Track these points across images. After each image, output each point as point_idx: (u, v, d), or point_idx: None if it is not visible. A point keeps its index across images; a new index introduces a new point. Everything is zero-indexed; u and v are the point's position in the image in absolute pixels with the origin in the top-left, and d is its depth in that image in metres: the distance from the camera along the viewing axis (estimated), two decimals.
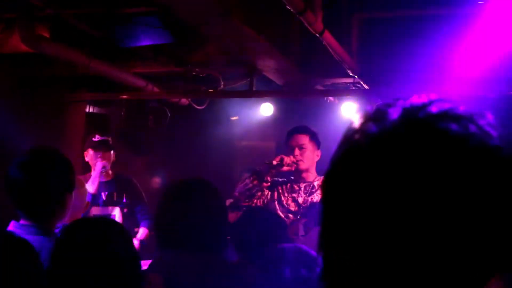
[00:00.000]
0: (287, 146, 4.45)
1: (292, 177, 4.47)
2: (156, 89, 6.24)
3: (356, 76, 5.46)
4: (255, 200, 4.27)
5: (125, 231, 1.97)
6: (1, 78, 5.56)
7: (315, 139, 4.44)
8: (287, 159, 4.29)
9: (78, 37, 5.09)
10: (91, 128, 6.15)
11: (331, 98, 6.90)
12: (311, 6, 3.97)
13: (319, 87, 6.40)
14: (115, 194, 4.88)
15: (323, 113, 7.30)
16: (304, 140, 4.37)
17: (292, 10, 3.78)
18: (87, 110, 6.48)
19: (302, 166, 4.35)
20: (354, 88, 6.01)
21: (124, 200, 4.94)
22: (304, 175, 4.39)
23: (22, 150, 2.51)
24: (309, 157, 4.36)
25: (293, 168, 4.35)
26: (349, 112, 6.70)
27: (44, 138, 5.60)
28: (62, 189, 2.43)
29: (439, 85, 5.40)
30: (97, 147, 4.90)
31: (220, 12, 3.92)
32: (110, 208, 4.84)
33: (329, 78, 6.10)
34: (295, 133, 4.45)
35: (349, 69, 5.18)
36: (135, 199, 5.00)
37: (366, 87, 5.82)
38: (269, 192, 4.36)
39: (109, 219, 2.05)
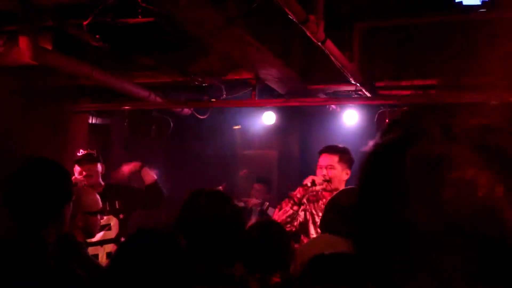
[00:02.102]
0: (318, 164, 4.51)
1: (321, 191, 4.48)
2: (158, 99, 6.26)
3: (358, 84, 5.47)
4: (295, 223, 4.33)
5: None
6: (4, 89, 5.58)
7: (345, 158, 4.45)
8: (317, 179, 4.36)
9: (81, 47, 5.10)
10: (93, 139, 6.17)
11: (333, 106, 6.91)
12: (313, 16, 3.99)
13: (321, 95, 6.41)
14: (107, 203, 4.85)
15: (325, 121, 7.31)
16: (333, 161, 4.43)
17: (294, 20, 3.79)
18: (90, 120, 6.49)
19: (332, 185, 4.36)
20: (356, 96, 6.02)
21: (118, 207, 4.93)
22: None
23: (23, 162, 2.50)
24: (337, 177, 4.39)
25: (324, 187, 4.38)
26: (351, 119, 6.71)
27: (47, 149, 5.61)
28: (59, 200, 2.41)
29: (441, 92, 5.41)
30: (80, 161, 4.89)
31: (223, 22, 3.93)
32: (105, 218, 4.83)
33: (330, 86, 6.11)
34: (324, 152, 4.51)
35: (351, 77, 5.19)
36: (129, 200, 5.00)
37: (368, 94, 5.83)
38: (303, 213, 4.42)
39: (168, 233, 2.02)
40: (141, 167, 5.19)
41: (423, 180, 0.70)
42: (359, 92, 5.89)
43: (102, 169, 4.97)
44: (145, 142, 7.17)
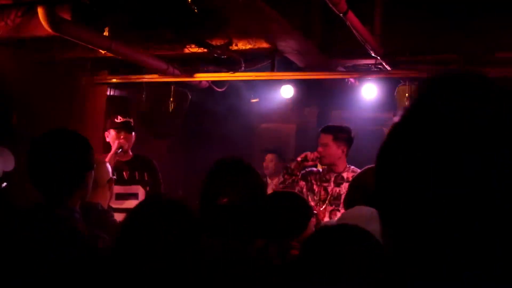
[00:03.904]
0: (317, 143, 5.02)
1: (321, 169, 5.05)
2: (177, 72, 6.23)
3: (378, 57, 5.40)
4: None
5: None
6: (23, 61, 5.58)
7: (340, 137, 4.90)
8: (310, 155, 4.90)
9: (100, 19, 5.08)
10: (112, 111, 6.17)
11: (352, 79, 6.85)
12: None
13: (340, 69, 6.35)
14: (137, 173, 4.91)
15: (344, 95, 7.26)
16: (327, 139, 4.88)
17: None
18: (108, 92, 6.48)
19: (324, 161, 4.92)
20: (375, 69, 5.95)
21: (146, 179, 4.97)
22: (332, 167, 4.93)
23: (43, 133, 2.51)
24: (331, 154, 4.88)
25: (316, 163, 4.96)
26: (370, 93, 6.65)
27: (66, 121, 5.63)
28: (81, 168, 2.43)
29: (462, 67, 5.34)
30: (119, 128, 4.93)
31: None
32: (133, 186, 4.87)
33: (350, 60, 6.04)
34: (321, 132, 4.99)
35: (371, 50, 5.12)
36: (155, 180, 5.04)
37: (388, 68, 5.76)
38: (304, 183, 4.94)
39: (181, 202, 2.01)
40: None
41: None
42: (379, 66, 5.82)
43: (134, 139, 5.02)
44: (163, 114, 7.16)
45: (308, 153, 4.93)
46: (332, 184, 4.88)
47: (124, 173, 4.84)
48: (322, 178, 4.96)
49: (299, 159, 4.93)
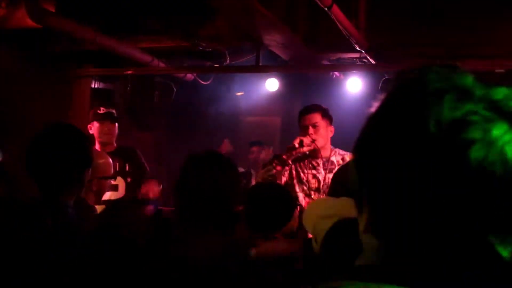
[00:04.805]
0: (301, 126, 4.47)
1: (307, 153, 4.47)
2: (162, 64, 6.21)
3: (363, 51, 5.43)
4: (278, 182, 4.26)
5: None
6: (7, 53, 5.54)
7: (327, 115, 4.45)
8: (305, 140, 4.30)
9: (84, 11, 5.05)
10: (96, 104, 6.14)
11: (336, 73, 6.87)
12: None
13: (325, 62, 6.37)
14: (117, 164, 4.84)
15: (329, 88, 7.28)
16: (317, 118, 4.38)
17: None
18: (92, 85, 6.45)
19: (318, 144, 4.35)
20: (360, 63, 5.98)
21: (127, 169, 4.93)
22: (319, 152, 4.41)
23: (31, 125, 2.49)
24: (323, 134, 4.38)
25: (312, 147, 4.36)
26: (355, 87, 6.68)
27: (50, 113, 5.60)
28: (80, 166, 2.41)
29: (447, 61, 5.36)
30: (102, 119, 4.88)
31: None
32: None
33: (335, 53, 6.06)
34: (307, 112, 4.46)
35: (356, 44, 5.14)
36: (138, 170, 5.00)
37: (373, 62, 5.78)
38: (287, 173, 4.43)
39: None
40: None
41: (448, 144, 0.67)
42: (364, 60, 5.85)
43: (117, 130, 4.98)
44: (148, 107, 7.15)
45: (303, 138, 4.32)
46: (322, 171, 4.41)
47: None
48: (308, 165, 4.46)
49: (296, 144, 4.30)
